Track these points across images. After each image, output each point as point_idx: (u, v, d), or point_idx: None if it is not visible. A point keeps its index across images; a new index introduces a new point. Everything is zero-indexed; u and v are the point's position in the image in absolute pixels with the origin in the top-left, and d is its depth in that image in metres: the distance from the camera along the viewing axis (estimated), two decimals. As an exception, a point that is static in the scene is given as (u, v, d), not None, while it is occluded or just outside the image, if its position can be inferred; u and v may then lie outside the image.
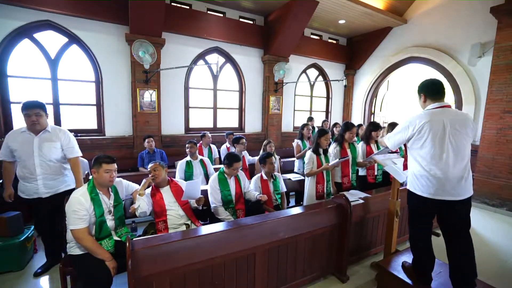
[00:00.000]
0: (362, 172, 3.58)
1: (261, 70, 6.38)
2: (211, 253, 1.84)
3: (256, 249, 2.04)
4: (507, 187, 4.34)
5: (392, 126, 3.58)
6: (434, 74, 5.92)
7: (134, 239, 1.77)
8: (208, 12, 5.51)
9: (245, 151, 4.21)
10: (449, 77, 5.60)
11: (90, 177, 2.09)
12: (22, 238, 2.63)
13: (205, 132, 4.73)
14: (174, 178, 2.90)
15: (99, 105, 4.80)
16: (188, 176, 3.55)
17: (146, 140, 4.37)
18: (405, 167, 2.37)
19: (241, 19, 5.93)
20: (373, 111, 7.87)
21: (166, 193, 2.50)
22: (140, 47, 4.25)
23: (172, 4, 5.12)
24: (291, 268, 2.28)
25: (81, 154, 2.66)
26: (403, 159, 2.55)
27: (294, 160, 4.53)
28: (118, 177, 2.26)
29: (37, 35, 4.24)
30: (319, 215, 2.42)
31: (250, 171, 4.05)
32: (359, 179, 3.57)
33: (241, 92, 6.35)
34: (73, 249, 1.95)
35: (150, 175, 2.45)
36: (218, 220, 2.64)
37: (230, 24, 5.68)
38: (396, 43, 6.71)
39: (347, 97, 8.07)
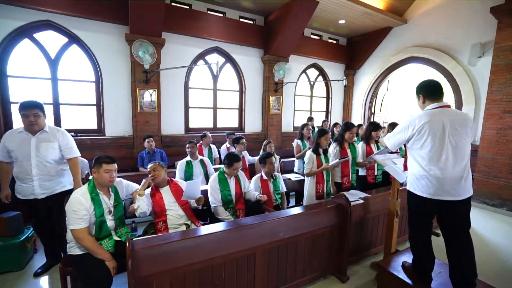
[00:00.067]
0: (362, 172, 3.58)
1: (261, 70, 6.38)
2: (211, 253, 1.84)
3: (256, 249, 2.04)
4: (507, 187, 4.34)
5: (393, 126, 3.58)
6: (434, 74, 5.92)
7: (134, 239, 1.77)
8: (208, 12, 5.51)
9: (245, 151, 4.21)
10: (449, 77, 5.60)
11: (90, 177, 2.09)
12: (22, 238, 2.63)
13: (206, 132, 4.73)
14: (174, 178, 2.90)
15: (99, 105, 4.80)
16: (188, 176, 3.55)
17: (146, 140, 4.37)
18: (405, 167, 2.37)
19: (241, 19, 5.93)
20: (373, 111, 7.87)
21: (166, 193, 2.50)
22: (140, 47, 4.25)
23: (172, 4, 5.12)
24: (291, 268, 2.28)
25: (79, 154, 2.65)
26: (403, 159, 2.55)
27: (294, 160, 4.53)
28: (118, 177, 2.25)
29: (37, 35, 4.24)
30: (319, 215, 2.42)
31: (250, 171, 4.05)
32: (359, 179, 3.57)
33: (241, 92, 6.35)
34: (73, 249, 1.95)
35: (149, 175, 2.45)
36: (218, 220, 2.64)
37: (230, 24, 5.68)
38: (396, 43, 6.71)
39: (347, 97, 8.07)
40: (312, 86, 7.64)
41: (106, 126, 4.80)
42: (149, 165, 2.51)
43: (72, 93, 4.61)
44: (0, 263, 2.52)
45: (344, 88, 7.89)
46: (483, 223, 3.97)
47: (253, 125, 6.51)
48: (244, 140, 4.04)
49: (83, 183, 2.17)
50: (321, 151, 3.12)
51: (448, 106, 1.94)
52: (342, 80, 6.01)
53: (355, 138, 3.50)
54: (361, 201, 2.71)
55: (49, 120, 2.54)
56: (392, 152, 2.51)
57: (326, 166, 3.02)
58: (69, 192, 2.49)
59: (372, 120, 7.29)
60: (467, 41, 5.24)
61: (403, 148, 2.89)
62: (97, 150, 4.46)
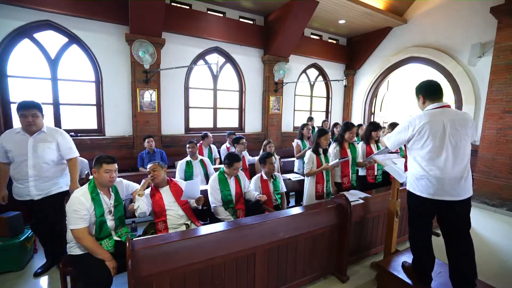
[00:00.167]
0: (362, 172, 3.58)
1: (261, 70, 6.38)
2: (211, 253, 1.84)
3: (256, 249, 2.04)
4: (507, 187, 4.34)
5: (393, 126, 3.57)
6: (434, 74, 5.93)
7: (134, 239, 1.77)
8: (208, 12, 5.51)
9: (245, 151, 4.21)
10: (449, 77, 5.60)
11: (91, 177, 2.09)
12: (22, 238, 2.63)
13: (207, 132, 4.73)
14: (174, 178, 2.90)
15: (99, 105, 4.80)
16: (188, 176, 3.55)
17: (146, 140, 4.37)
18: (406, 168, 2.37)
19: (241, 19, 5.93)
20: (373, 111, 7.87)
21: (166, 193, 2.49)
22: (140, 47, 4.25)
23: (172, 4, 5.12)
24: (291, 268, 2.28)
25: (78, 154, 2.63)
26: (403, 159, 2.55)
27: (294, 160, 4.53)
28: (118, 177, 2.25)
29: (37, 35, 4.24)
30: (319, 215, 2.42)
31: (250, 171, 4.05)
32: (359, 179, 3.57)
33: (241, 92, 6.35)
34: (73, 249, 1.95)
35: (149, 176, 2.45)
36: (218, 220, 2.64)
37: (230, 24, 5.68)
38: (396, 43, 6.71)
39: (347, 97, 8.07)
40: (312, 86, 7.64)
41: (106, 126, 4.80)
42: (149, 165, 2.51)
43: (72, 93, 4.61)
44: (0, 263, 2.52)
45: (344, 88, 7.89)
46: (483, 223, 3.97)
47: (253, 125, 6.51)
48: (244, 140, 4.04)
49: (83, 183, 2.17)
50: (321, 151, 3.12)
51: (448, 106, 1.94)
52: (342, 80, 6.01)
53: (355, 138, 3.50)
54: (361, 201, 2.71)
55: (49, 120, 2.53)
56: (392, 152, 2.51)
57: (326, 166, 3.02)
58: (65, 194, 2.49)
59: (372, 120, 7.30)
60: (467, 41, 5.24)
61: (403, 148, 2.89)
62: (97, 150, 4.46)
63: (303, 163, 3.21)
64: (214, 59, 5.73)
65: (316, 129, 3.77)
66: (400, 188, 2.48)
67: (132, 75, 4.76)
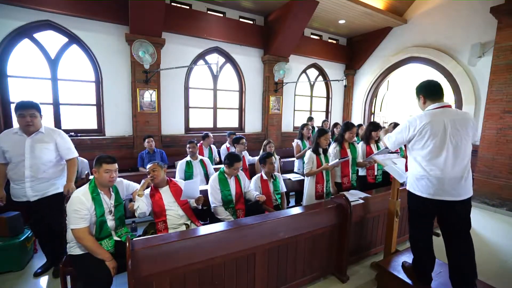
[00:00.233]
0: (362, 172, 3.58)
1: (261, 70, 6.38)
2: (211, 253, 1.84)
3: (256, 249, 2.04)
4: (507, 187, 4.34)
5: (395, 126, 3.58)
6: (434, 74, 5.93)
7: (134, 239, 1.77)
8: (208, 12, 5.51)
9: (245, 151, 4.21)
10: (449, 77, 5.60)
11: (91, 177, 2.09)
12: (22, 238, 2.63)
13: (208, 132, 4.74)
14: (174, 178, 2.90)
15: (99, 105, 4.80)
16: (188, 176, 3.55)
17: (146, 140, 4.37)
18: (407, 168, 2.37)
19: (241, 19, 5.93)
20: (373, 111, 7.87)
21: (165, 193, 2.49)
22: (140, 47, 4.25)
23: (172, 4, 5.12)
24: (291, 268, 2.28)
25: (77, 155, 2.62)
26: (403, 159, 2.54)
27: (294, 160, 4.53)
28: (118, 177, 2.25)
29: (37, 35, 4.24)
30: (319, 215, 2.42)
31: (250, 171, 4.05)
32: (359, 179, 3.57)
33: (241, 92, 6.35)
34: (73, 249, 1.95)
35: (149, 176, 2.45)
36: (218, 220, 2.64)
37: (230, 24, 5.68)
38: (396, 43, 6.71)
39: (347, 97, 8.07)
40: (312, 86, 7.64)
41: (106, 126, 4.80)
42: (148, 166, 2.51)
43: (72, 93, 4.61)
44: (0, 263, 2.52)
45: (344, 88, 7.89)
46: (483, 223, 3.97)
47: (253, 125, 6.51)
48: (244, 140, 4.04)
49: (83, 183, 2.17)
50: (321, 151, 3.12)
51: (449, 106, 1.94)
52: (342, 80, 6.01)
53: (355, 138, 3.50)
54: (361, 201, 2.71)
55: (49, 120, 2.52)
56: (392, 152, 2.51)
57: (326, 166, 3.02)
58: (62, 195, 2.46)
59: (372, 120, 7.30)
60: (467, 41, 5.24)
61: (403, 148, 2.89)
62: (97, 150, 4.46)
63: (303, 163, 3.21)
64: (214, 59, 5.73)
65: (316, 129, 3.77)
66: (400, 188, 2.48)
67: (132, 75, 4.76)
